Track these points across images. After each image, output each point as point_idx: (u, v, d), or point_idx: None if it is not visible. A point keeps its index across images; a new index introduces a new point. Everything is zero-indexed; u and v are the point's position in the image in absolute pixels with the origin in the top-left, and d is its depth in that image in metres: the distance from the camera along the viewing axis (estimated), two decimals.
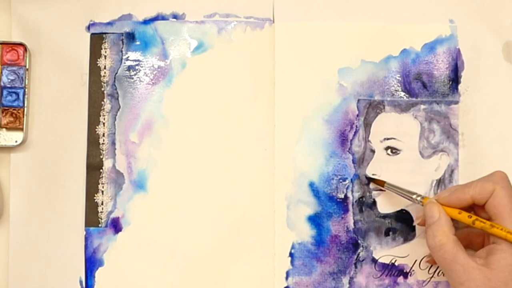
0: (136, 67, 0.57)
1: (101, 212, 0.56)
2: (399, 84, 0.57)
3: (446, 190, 0.51)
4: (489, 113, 0.56)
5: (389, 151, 0.56)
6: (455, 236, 0.48)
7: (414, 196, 0.52)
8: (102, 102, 0.57)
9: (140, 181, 0.56)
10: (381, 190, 0.55)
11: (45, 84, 0.57)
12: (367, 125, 0.56)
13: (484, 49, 0.57)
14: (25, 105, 0.56)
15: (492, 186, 0.47)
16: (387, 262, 0.55)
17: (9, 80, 0.56)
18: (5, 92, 0.56)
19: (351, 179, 0.56)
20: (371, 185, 0.56)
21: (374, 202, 0.56)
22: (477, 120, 0.56)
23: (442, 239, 0.47)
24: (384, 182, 0.54)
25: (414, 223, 0.55)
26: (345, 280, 0.55)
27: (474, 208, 0.50)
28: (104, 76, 0.57)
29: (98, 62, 0.57)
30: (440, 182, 0.56)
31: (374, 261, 0.55)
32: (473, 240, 0.52)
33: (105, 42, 0.57)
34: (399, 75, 0.57)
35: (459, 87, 0.57)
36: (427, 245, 0.48)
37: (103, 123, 0.56)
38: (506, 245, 0.46)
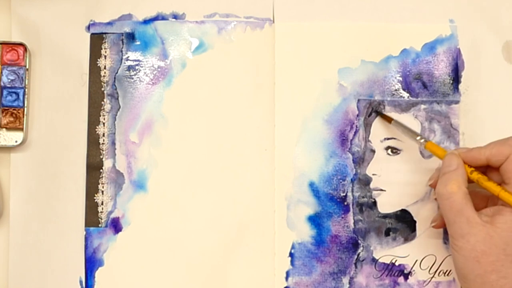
0: (136, 67, 0.57)
1: (101, 212, 0.56)
2: (399, 84, 0.56)
3: (465, 147, 0.51)
4: (490, 112, 0.56)
5: (389, 151, 0.56)
6: (466, 189, 0.47)
7: (418, 138, 0.52)
8: (102, 102, 0.57)
9: (140, 181, 0.56)
10: (382, 190, 0.55)
11: (45, 84, 0.57)
12: (367, 125, 0.56)
13: (484, 49, 0.57)
14: (25, 105, 0.56)
15: (508, 150, 0.47)
16: (388, 262, 0.55)
17: (9, 80, 0.56)
18: (5, 92, 0.56)
19: (351, 179, 0.56)
20: (371, 185, 0.56)
21: (375, 202, 0.55)
22: (478, 119, 0.56)
23: (453, 188, 0.47)
24: (392, 119, 0.55)
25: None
26: (345, 280, 0.55)
27: (487, 170, 0.50)
28: (104, 76, 0.57)
29: (98, 62, 0.57)
30: None
31: (374, 261, 0.55)
32: (477, 204, 0.50)
33: (105, 42, 0.57)
34: (399, 75, 0.57)
35: (460, 86, 0.56)
36: (436, 193, 0.48)
37: (103, 123, 0.56)
38: None
